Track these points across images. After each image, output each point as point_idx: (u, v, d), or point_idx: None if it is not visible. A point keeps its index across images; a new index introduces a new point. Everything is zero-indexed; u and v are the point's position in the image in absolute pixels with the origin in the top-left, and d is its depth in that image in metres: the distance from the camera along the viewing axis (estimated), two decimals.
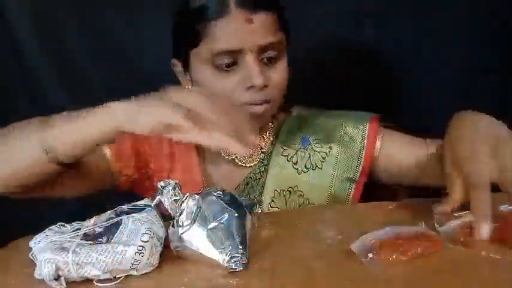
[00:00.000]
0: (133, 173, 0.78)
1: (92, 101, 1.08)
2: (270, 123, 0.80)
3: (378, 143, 0.76)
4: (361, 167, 0.76)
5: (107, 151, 0.76)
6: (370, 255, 0.48)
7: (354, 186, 0.76)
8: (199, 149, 0.81)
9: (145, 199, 0.58)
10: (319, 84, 0.99)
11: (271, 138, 0.79)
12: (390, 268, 0.47)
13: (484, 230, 0.49)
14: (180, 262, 0.51)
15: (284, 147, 0.78)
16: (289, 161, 0.76)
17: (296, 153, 0.77)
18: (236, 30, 0.67)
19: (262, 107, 0.70)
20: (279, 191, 0.75)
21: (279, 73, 0.71)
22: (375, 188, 0.79)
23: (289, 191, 0.75)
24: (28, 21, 1.00)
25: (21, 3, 1.00)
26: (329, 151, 0.77)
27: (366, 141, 0.76)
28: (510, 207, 0.52)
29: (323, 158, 0.76)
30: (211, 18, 0.67)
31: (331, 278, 0.47)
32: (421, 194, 0.67)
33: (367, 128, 0.76)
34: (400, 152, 0.75)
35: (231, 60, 0.68)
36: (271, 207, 0.75)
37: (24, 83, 1.04)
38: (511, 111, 0.98)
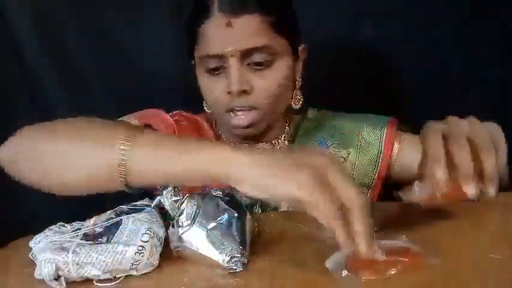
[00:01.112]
0: None
1: (91, 101, 1.09)
2: (286, 128, 0.79)
3: (396, 149, 0.75)
4: (377, 173, 0.75)
5: None
6: (345, 272, 0.45)
7: (369, 191, 0.76)
8: None
9: (146, 199, 0.58)
10: (318, 84, 0.98)
11: (286, 143, 0.78)
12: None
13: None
14: (180, 262, 0.51)
15: None
16: None
17: None
18: (217, 35, 0.66)
19: (247, 117, 0.68)
20: None
21: (266, 79, 0.68)
22: (387, 193, 0.78)
23: None
24: (28, 21, 1.00)
25: (21, 3, 1.00)
26: (347, 156, 0.76)
27: (383, 146, 0.75)
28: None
29: None
30: (200, 22, 0.67)
31: (331, 278, 0.47)
32: None
33: (385, 133, 0.76)
34: (417, 157, 0.73)
35: (218, 64, 0.67)
36: None
37: (24, 83, 1.04)
38: (511, 111, 0.98)
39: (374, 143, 0.76)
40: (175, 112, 0.80)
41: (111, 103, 1.08)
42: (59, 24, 1.02)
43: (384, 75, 1.06)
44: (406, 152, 0.75)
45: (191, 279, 0.48)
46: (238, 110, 0.69)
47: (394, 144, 0.76)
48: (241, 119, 0.69)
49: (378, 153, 0.76)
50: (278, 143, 0.78)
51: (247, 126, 0.70)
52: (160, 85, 1.02)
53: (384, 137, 0.76)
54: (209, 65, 0.68)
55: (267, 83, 0.68)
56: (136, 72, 1.04)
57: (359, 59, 1.04)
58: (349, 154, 0.76)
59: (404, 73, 1.05)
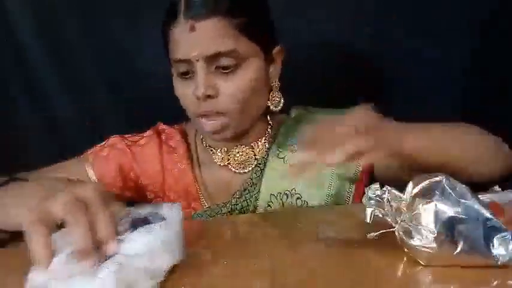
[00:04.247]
0: (123, 192, 0.77)
1: (92, 101, 1.09)
2: (268, 130, 0.78)
3: None
4: (361, 166, 0.74)
5: (92, 174, 0.76)
6: None
7: (354, 186, 0.75)
8: (193, 158, 0.80)
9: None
10: (316, 88, 0.99)
11: (267, 145, 0.78)
12: (391, 269, 0.47)
13: None
14: (180, 262, 0.51)
15: (280, 150, 0.76)
16: (285, 163, 0.75)
17: (292, 154, 0.75)
18: (182, 40, 0.66)
19: (217, 123, 0.68)
20: (276, 194, 0.74)
21: (233, 83, 0.67)
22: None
23: (286, 194, 0.74)
24: (29, 21, 1.01)
25: (22, 3, 1.00)
26: None
27: None
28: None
29: None
30: (169, 26, 0.68)
31: (331, 278, 0.47)
32: None
33: None
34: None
35: (187, 69, 0.68)
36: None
37: (25, 83, 1.04)
38: (509, 111, 0.98)
39: None
40: (145, 134, 0.82)
41: (111, 103, 1.08)
42: (60, 24, 1.02)
43: (382, 81, 1.06)
44: None
45: (192, 280, 0.48)
46: (206, 116, 0.69)
47: None
48: (208, 124, 0.69)
49: None
50: (258, 145, 0.77)
51: (215, 132, 0.70)
52: (161, 85, 1.02)
53: None
54: (179, 69, 0.69)
55: (233, 87, 0.67)
56: (137, 72, 1.05)
57: (358, 65, 1.04)
58: None
59: (403, 78, 1.05)
